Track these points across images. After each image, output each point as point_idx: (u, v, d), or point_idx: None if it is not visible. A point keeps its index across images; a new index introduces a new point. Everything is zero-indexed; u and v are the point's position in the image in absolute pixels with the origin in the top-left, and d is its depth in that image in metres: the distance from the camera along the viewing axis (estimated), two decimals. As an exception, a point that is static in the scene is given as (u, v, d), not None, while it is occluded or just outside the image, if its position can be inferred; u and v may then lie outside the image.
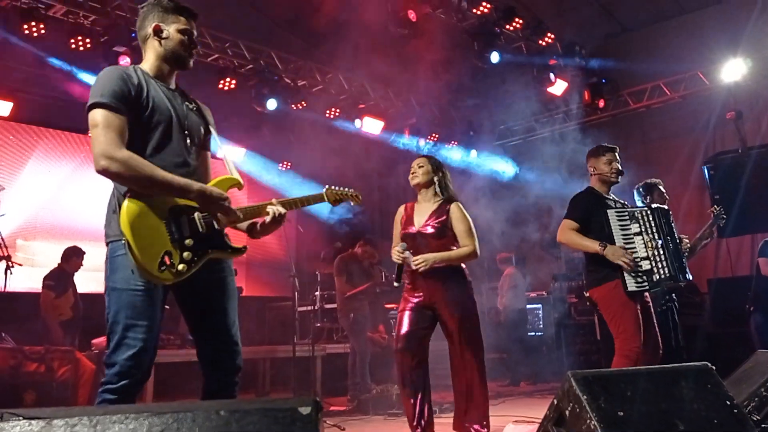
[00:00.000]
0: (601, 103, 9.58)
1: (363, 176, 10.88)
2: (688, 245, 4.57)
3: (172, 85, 2.61)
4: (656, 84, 9.47)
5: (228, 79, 8.01)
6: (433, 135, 10.49)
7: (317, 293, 8.51)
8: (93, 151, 2.28)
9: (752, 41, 8.30)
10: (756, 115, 8.83)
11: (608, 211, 4.07)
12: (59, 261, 7.41)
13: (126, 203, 2.27)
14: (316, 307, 8.49)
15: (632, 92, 9.76)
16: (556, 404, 2.95)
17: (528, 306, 9.24)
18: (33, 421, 1.51)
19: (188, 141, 2.51)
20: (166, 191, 2.33)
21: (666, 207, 4.30)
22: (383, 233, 11.69)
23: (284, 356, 6.69)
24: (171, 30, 2.54)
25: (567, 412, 2.85)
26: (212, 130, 2.66)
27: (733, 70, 8.46)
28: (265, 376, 7.86)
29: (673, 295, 5.08)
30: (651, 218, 4.06)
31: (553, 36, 8.75)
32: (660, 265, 3.98)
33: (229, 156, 2.73)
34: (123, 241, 2.25)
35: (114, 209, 2.33)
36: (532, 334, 9.22)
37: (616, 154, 4.30)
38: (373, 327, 7.62)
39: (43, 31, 6.45)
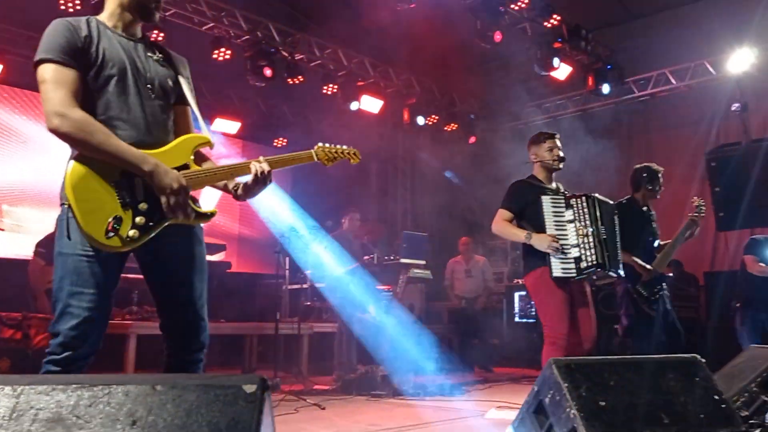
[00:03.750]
0: (605, 90, 9.38)
1: (362, 157, 10.71)
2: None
3: (137, 35, 2.42)
4: (662, 72, 9.26)
5: (223, 50, 7.82)
6: (433, 117, 10.31)
7: (308, 271, 8.39)
8: (44, 109, 2.12)
9: (760, 31, 8.09)
10: (762, 108, 8.64)
11: (543, 197, 4.07)
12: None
13: (72, 165, 2.13)
14: (305, 286, 8.38)
15: (637, 80, 9.56)
16: (536, 391, 2.84)
17: (520, 293, 9.16)
18: (-52, 388, 1.39)
19: (151, 94, 2.33)
20: (117, 161, 2.15)
21: (608, 200, 4.23)
22: (382, 217, 11.59)
23: (272, 333, 6.60)
24: None
25: (547, 400, 2.73)
26: (183, 81, 2.47)
27: (740, 60, 8.25)
28: (252, 353, 7.79)
29: (664, 284, 5.00)
30: (585, 206, 4.03)
31: (559, 18, 8.53)
32: (588, 253, 3.95)
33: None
34: (67, 205, 2.11)
35: (65, 170, 2.18)
36: (524, 320, 9.13)
37: (557, 141, 4.29)
38: (362, 308, 7.52)
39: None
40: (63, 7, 6.48)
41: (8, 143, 8.23)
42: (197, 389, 1.44)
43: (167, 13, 7.40)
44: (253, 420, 1.38)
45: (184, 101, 2.49)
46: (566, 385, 2.63)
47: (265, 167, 2.36)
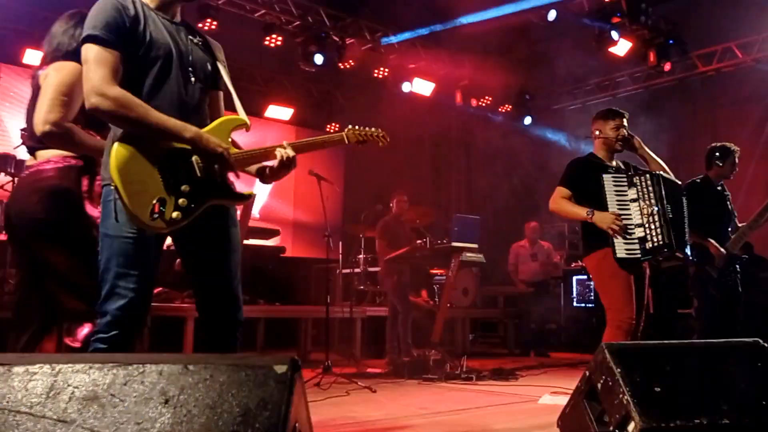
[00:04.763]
0: (668, 66, 9.03)
1: (415, 140, 10.67)
2: None
3: (177, 18, 2.44)
4: (728, 46, 8.87)
5: (274, 36, 7.87)
6: (486, 98, 10.14)
7: (361, 256, 8.41)
8: (84, 88, 2.17)
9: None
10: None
11: (604, 175, 3.89)
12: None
13: (116, 146, 2.15)
14: (359, 270, 8.40)
15: (701, 54, 9.17)
16: (588, 376, 2.75)
17: (578, 277, 8.97)
18: (-10, 367, 1.42)
19: (192, 78, 2.36)
20: (158, 133, 2.19)
21: (674, 178, 4.03)
22: (436, 201, 11.51)
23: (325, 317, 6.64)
24: None
25: (599, 385, 2.64)
26: (220, 66, 2.50)
27: (813, 31, 7.83)
28: (307, 336, 7.86)
29: (737, 266, 4.87)
30: (650, 184, 3.84)
31: (617, -10, 8.24)
32: (654, 233, 3.76)
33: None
34: (113, 186, 2.15)
35: (109, 151, 2.22)
36: (582, 305, 8.94)
37: (625, 121, 4.09)
38: (415, 292, 7.49)
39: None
40: None
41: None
42: (228, 369, 1.44)
43: (219, 1, 7.49)
44: (283, 401, 1.37)
45: (217, 86, 2.52)
46: (619, 370, 2.53)
47: (290, 153, 2.39)
